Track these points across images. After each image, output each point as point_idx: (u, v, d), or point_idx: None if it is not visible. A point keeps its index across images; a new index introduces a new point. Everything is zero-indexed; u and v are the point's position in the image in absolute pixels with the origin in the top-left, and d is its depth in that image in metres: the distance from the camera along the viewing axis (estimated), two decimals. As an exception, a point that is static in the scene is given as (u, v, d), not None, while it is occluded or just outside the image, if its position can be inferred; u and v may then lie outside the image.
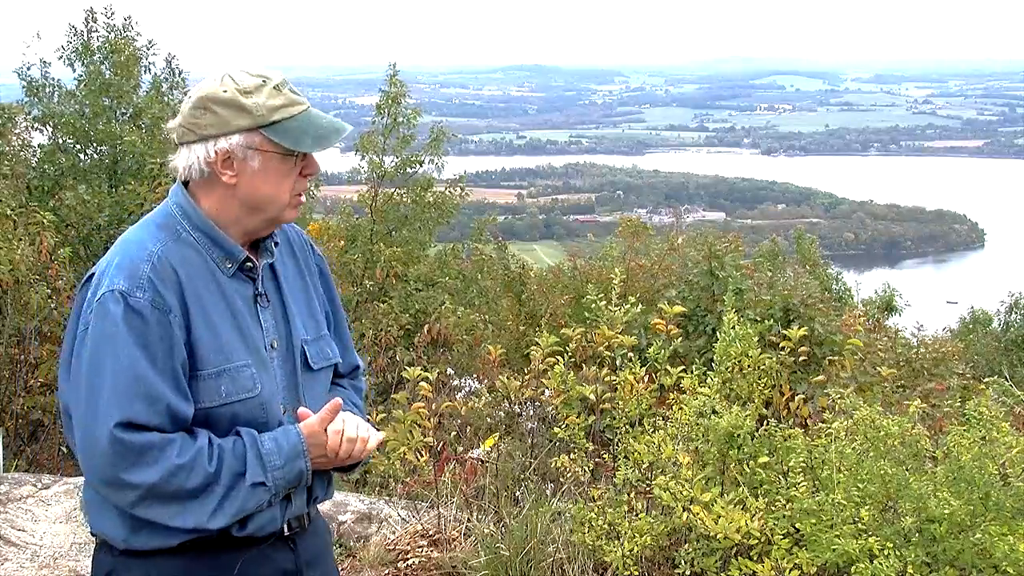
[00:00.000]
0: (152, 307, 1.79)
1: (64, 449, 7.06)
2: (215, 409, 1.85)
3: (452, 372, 8.91)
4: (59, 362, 1.93)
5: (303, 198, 1.98)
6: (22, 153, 12.00)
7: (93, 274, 1.88)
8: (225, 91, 1.86)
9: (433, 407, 4.35)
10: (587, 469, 3.83)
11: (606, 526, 3.46)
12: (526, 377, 4.60)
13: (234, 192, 1.89)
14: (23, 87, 12.97)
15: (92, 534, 1.95)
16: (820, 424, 3.70)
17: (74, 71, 13.24)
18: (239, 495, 1.81)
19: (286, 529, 1.98)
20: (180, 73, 14.01)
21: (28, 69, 13.01)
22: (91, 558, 1.99)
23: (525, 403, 4.80)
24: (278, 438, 1.87)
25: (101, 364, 1.77)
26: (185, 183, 1.94)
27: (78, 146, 12.91)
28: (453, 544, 3.95)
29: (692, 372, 3.76)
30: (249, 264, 1.95)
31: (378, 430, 2.06)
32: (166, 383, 1.78)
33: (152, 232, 1.89)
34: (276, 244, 2.03)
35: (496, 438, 4.39)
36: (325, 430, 1.91)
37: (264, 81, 1.87)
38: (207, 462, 1.79)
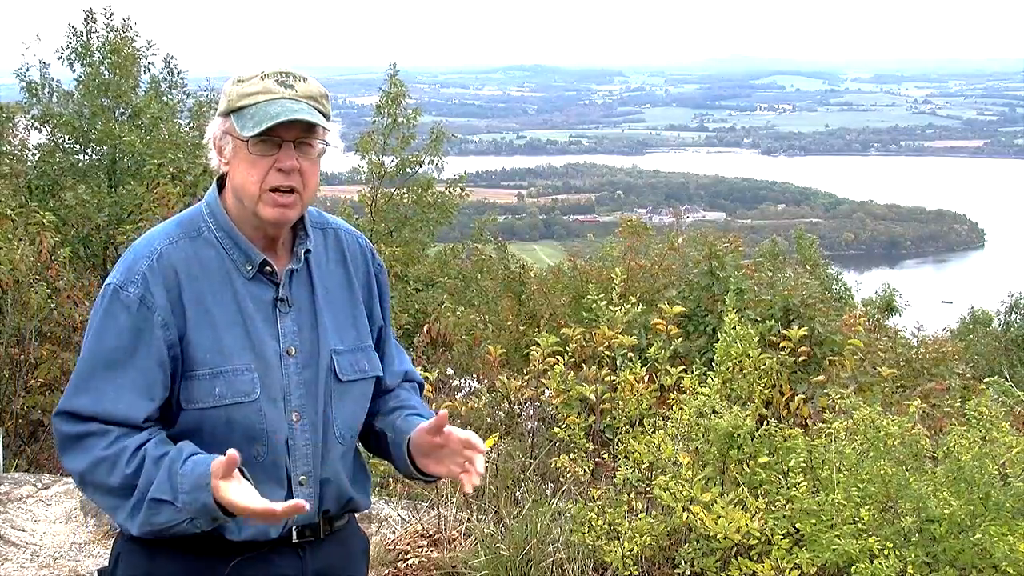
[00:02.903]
0: (140, 303, 1.81)
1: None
2: (209, 410, 1.83)
3: (452, 372, 8.91)
4: None
5: (287, 198, 1.84)
6: (22, 153, 12.01)
7: None
8: (228, 79, 1.91)
9: (433, 407, 4.35)
10: (587, 469, 3.83)
11: (606, 526, 3.46)
12: (526, 377, 4.60)
13: (231, 181, 1.92)
14: (21, 88, 12.98)
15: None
16: (820, 424, 3.70)
17: (73, 71, 13.25)
18: (143, 505, 1.75)
19: (295, 536, 1.92)
20: (179, 73, 14.04)
21: (27, 71, 13.03)
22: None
23: (525, 403, 4.80)
24: (199, 463, 1.73)
25: (83, 351, 1.85)
26: (222, 180, 1.96)
27: (76, 146, 12.92)
28: (453, 544, 3.95)
29: (692, 372, 3.76)
30: (268, 268, 1.91)
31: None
32: (125, 379, 1.79)
33: (168, 229, 1.91)
34: (308, 251, 1.96)
35: (496, 438, 4.38)
36: (230, 475, 1.69)
37: (262, 72, 1.87)
38: (125, 463, 1.75)
